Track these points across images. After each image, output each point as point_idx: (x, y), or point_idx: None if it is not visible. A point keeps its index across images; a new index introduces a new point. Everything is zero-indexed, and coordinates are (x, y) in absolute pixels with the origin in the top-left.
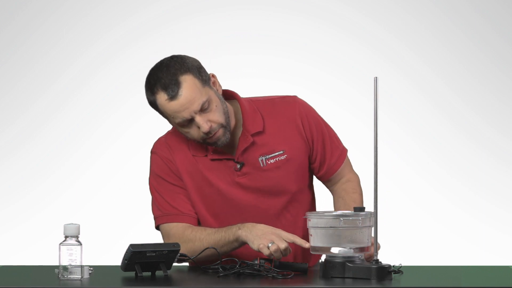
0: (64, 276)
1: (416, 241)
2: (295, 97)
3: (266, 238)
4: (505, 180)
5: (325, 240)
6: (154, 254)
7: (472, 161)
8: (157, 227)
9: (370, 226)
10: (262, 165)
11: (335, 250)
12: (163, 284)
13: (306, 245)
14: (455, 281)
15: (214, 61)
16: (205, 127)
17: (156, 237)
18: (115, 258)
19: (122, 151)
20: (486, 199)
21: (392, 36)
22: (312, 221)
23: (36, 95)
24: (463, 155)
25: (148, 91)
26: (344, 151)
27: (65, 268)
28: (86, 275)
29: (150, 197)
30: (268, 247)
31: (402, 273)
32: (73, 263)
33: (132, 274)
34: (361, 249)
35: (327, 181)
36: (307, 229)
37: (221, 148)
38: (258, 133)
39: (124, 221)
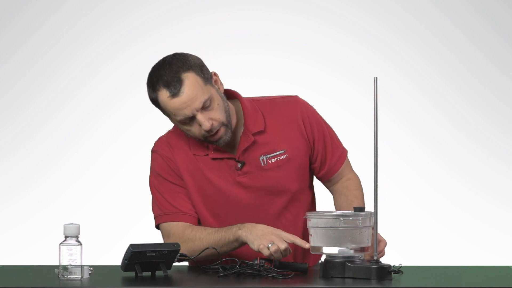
0: (64, 276)
1: (416, 241)
2: (296, 97)
3: (266, 239)
4: (505, 180)
5: (325, 240)
6: (154, 254)
7: (472, 161)
8: (157, 226)
9: (370, 226)
10: (263, 165)
11: (335, 250)
12: (163, 284)
13: (306, 245)
14: (455, 281)
15: (214, 61)
16: (206, 125)
17: (156, 237)
18: (115, 258)
19: (122, 151)
20: (486, 199)
21: (392, 36)
22: (312, 221)
23: (36, 95)
24: (463, 155)
25: (150, 88)
26: (345, 151)
27: (65, 268)
28: (86, 275)
29: (150, 196)
30: (268, 248)
31: (402, 273)
32: (73, 263)
33: (132, 274)
34: (361, 249)
35: (328, 181)
36: (307, 229)
37: (222, 147)
38: (259, 133)
39: (124, 221)
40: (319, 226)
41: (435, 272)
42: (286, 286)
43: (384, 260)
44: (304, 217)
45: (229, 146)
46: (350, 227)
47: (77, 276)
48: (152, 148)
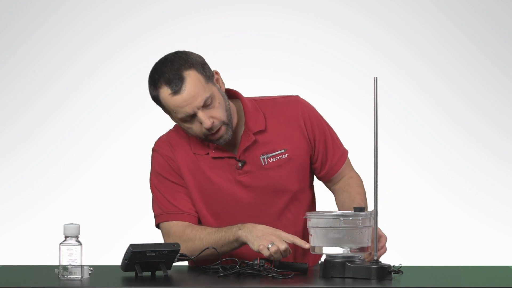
0: (64, 276)
1: (416, 241)
2: (297, 97)
3: (266, 239)
4: (505, 180)
5: (325, 240)
6: (154, 254)
7: (472, 161)
8: (157, 226)
9: (370, 226)
10: (263, 164)
11: (335, 250)
12: (163, 284)
13: (306, 246)
14: (455, 281)
15: (214, 61)
16: (207, 123)
17: (156, 237)
18: (115, 258)
19: (122, 151)
20: (486, 199)
21: (392, 36)
22: (312, 221)
23: (36, 95)
24: (463, 155)
25: (151, 86)
26: (345, 152)
27: (65, 268)
28: (86, 275)
29: (150, 196)
30: (268, 248)
31: (402, 273)
32: (73, 263)
33: (132, 274)
34: (361, 249)
35: (328, 182)
36: (308, 228)
37: (222, 146)
38: (260, 132)
39: (124, 221)
40: (319, 226)
41: (435, 272)
42: (286, 286)
43: (384, 260)
44: (304, 217)
45: (230, 145)
46: (350, 227)
47: (77, 276)
48: (153, 147)
